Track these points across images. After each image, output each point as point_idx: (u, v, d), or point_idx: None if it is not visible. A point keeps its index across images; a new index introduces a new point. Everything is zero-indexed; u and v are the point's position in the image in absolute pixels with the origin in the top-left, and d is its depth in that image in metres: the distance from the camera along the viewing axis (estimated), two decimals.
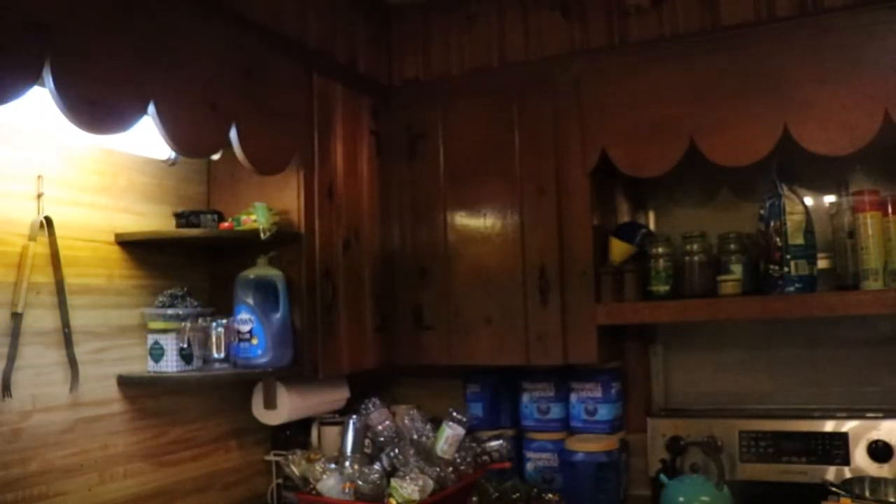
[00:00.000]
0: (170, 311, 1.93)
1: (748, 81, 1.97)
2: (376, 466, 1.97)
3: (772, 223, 2.05)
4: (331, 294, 2.13)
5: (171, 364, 1.90)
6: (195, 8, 1.70)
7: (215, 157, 1.98)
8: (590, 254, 2.17)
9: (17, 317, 1.63)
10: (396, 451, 2.04)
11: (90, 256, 1.84)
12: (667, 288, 2.20)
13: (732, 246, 2.20)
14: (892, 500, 1.94)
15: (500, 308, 2.27)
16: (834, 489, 1.92)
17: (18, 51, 1.27)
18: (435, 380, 2.68)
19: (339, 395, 2.37)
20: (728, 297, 2.09)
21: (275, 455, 2.30)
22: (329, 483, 1.95)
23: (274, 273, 2.04)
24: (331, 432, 2.32)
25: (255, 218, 1.99)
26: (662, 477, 2.20)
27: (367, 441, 2.11)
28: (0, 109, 1.28)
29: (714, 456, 2.14)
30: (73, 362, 1.75)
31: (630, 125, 2.10)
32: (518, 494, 2.24)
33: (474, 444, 2.23)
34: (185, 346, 1.91)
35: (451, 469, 2.07)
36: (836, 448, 2.13)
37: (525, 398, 2.50)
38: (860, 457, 2.10)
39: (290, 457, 2.09)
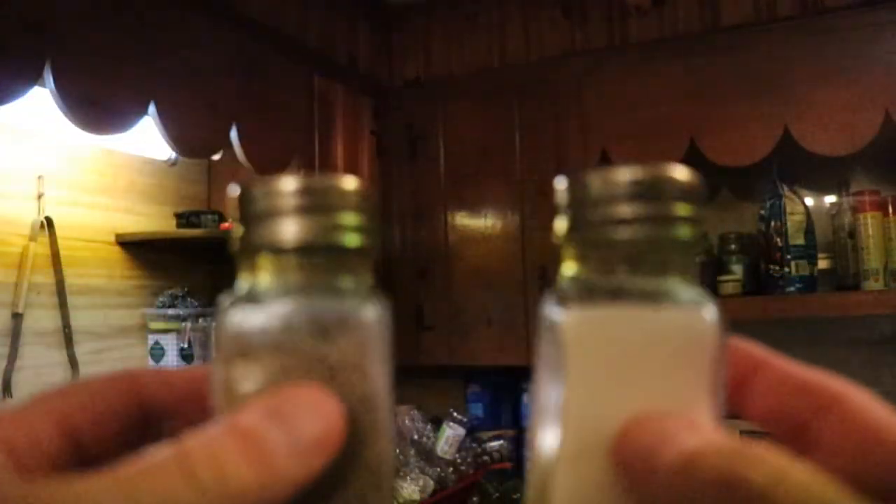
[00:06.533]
0: (170, 312, 1.93)
1: (748, 81, 1.97)
2: None
3: (772, 223, 2.05)
4: None
5: (171, 364, 1.90)
6: (196, 8, 1.71)
7: (215, 157, 1.99)
8: None
9: (17, 317, 1.63)
10: (397, 451, 2.04)
11: (90, 257, 1.84)
12: None
13: (733, 246, 2.20)
14: None
15: (501, 308, 2.26)
16: None
17: (18, 51, 1.27)
18: (435, 380, 2.68)
19: None
20: (728, 298, 2.09)
21: None
22: None
23: None
24: None
25: None
26: None
27: None
28: (0, 109, 1.28)
29: None
30: (73, 362, 1.75)
31: (630, 125, 2.10)
32: (519, 495, 2.24)
33: (475, 445, 2.23)
34: (186, 346, 1.91)
35: (451, 469, 2.07)
36: None
37: (526, 398, 2.50)
38: None
39: None
